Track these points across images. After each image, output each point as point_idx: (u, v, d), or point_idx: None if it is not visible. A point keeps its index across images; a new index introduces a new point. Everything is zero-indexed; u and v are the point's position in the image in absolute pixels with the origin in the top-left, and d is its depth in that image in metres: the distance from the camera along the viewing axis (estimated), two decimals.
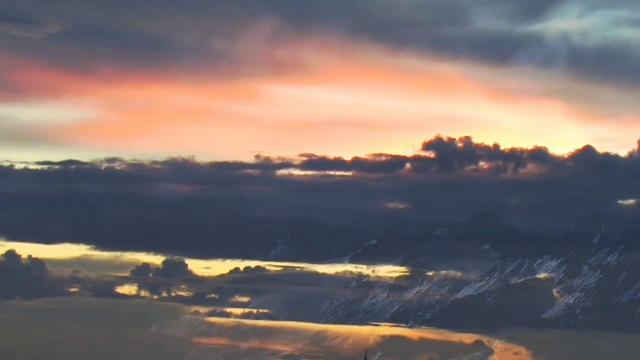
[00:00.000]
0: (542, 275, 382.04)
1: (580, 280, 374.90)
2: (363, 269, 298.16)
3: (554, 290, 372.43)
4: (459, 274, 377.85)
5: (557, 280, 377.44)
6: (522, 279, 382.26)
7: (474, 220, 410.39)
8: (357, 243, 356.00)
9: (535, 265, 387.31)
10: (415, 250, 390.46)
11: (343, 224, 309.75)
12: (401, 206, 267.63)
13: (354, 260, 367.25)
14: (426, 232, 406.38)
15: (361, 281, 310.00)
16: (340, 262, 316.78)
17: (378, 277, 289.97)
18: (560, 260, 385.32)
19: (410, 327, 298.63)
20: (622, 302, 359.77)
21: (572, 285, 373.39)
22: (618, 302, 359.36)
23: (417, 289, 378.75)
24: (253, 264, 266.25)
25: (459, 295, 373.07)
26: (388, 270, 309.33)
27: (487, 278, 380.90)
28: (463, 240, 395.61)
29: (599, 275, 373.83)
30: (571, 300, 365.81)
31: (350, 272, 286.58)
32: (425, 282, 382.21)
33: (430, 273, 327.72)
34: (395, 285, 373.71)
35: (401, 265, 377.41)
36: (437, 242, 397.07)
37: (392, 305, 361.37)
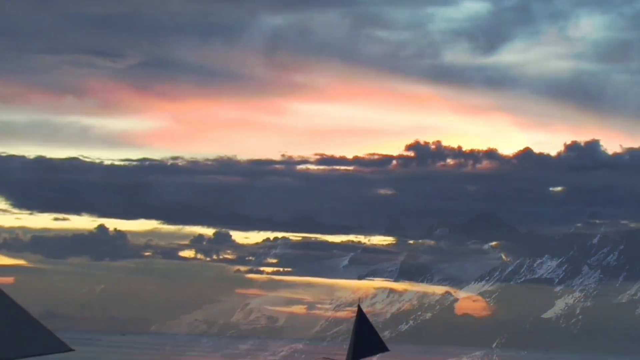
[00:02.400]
0: (542, 275, 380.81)
1: (580, 280, 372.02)
2: (361, 239, 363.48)
3: (554, 290, 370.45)
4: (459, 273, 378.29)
5: (557, 280, 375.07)
6: (522, 279, 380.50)
7: (474, 220, 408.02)
8: (358, 243, 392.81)
9: (535, 265, 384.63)
10: (416, 250, 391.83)
11: (345, 222, 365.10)
12: (389, 192, 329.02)
13: (354, 261, 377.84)
14: (426, 232, 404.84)
15: (361, 247, 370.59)
16: (341, 262, 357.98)
17: (373, 244, 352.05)
18: (560, 260, 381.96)
19: (396, 280, 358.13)
20: (622, 302, 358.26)
21: (572, 285, 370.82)
22: (618, 302, 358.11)
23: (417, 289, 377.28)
24: (280, 234, 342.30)
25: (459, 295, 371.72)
26: (380, 239, 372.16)
27: (487, 278, 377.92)
28: (463, 240, 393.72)
29: (599, 275, 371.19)
30: (571, 300, 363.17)
31: (352, 241, 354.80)
32: (425, 281, 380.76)
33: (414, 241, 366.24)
34: (394, 290, 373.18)
35: (401, 265, 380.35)
36: (437, 242, 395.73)
37: (391, 305, 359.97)
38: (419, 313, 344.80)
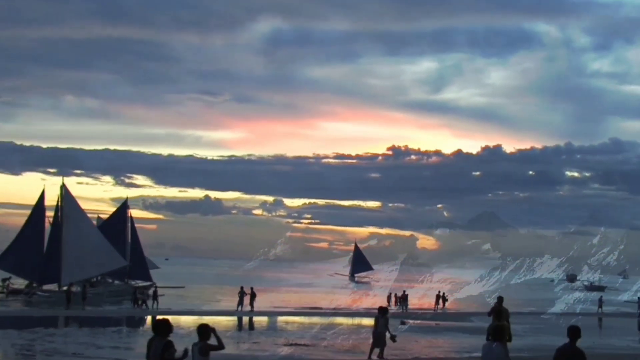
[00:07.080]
0: (542, 275, 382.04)
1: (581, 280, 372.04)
2: (361, 203, 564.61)
3: (554, 290, 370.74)
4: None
5: (557, 280, 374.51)
6: (522, 279, 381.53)
7: (474, 220, 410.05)
8: (359, 206, 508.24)
9: (535, 265, 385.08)
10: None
11: (351, 193, 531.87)
12: (377, 176, 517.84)
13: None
14: (426, 232, 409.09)
15: (360, 208, 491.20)
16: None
17: (368, 206, 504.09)
18: (560, 260, 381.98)
19: (381, 228, 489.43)
20: (621, 301, 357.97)
21: (572, 285, 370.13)
22: (617, 302, 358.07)
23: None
24: (312, 200, 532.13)
25: (459, 296, 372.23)
26: (372, 204, 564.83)
27: (487, 278, 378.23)
28: (463, 240, 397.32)
29: (599, 276, 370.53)
30: (571, 300, 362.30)
31: (355, 205, 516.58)
32: (425, 282, 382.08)
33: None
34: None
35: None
36: (437, 242, 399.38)
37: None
38: (396, 249, 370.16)
